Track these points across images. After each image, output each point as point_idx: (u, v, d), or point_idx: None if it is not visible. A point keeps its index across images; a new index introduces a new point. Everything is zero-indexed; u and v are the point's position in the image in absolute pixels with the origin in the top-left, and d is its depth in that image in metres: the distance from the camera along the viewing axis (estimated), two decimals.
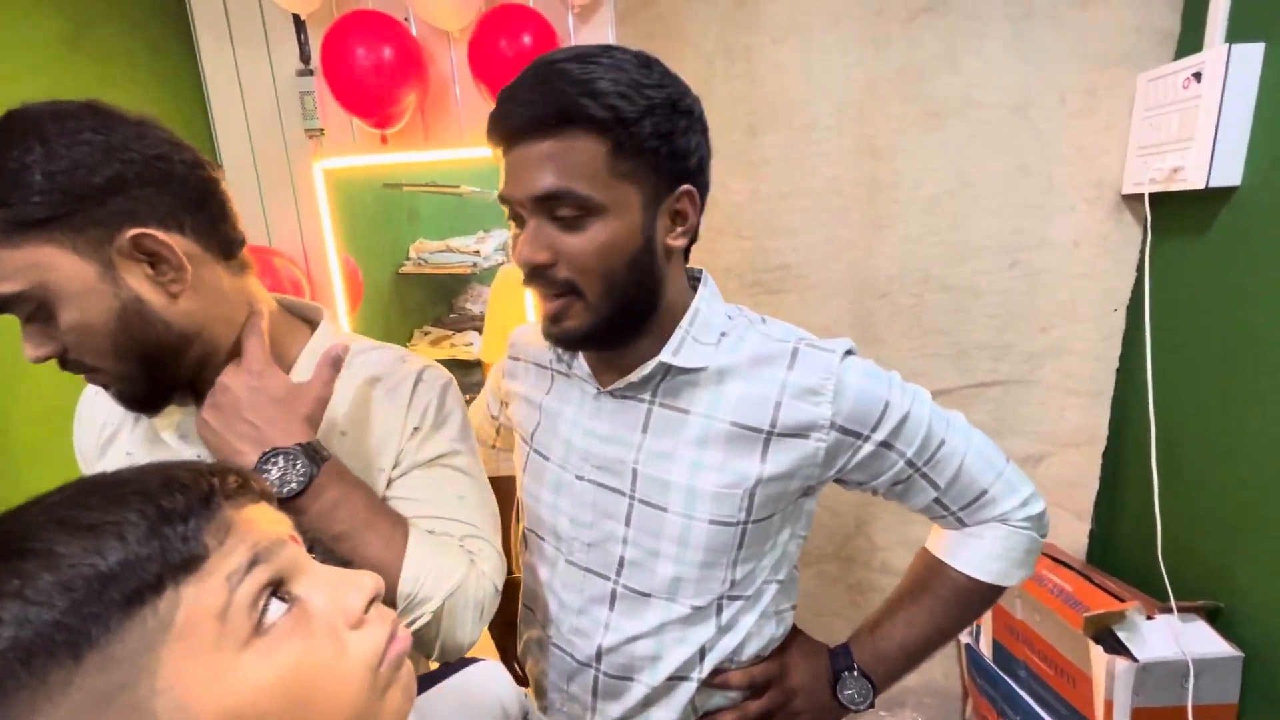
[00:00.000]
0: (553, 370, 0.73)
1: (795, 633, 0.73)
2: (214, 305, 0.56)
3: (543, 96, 0.54)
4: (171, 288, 0.53)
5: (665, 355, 0.62)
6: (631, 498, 0.65)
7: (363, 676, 0.31)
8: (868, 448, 0.62)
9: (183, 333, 0.55)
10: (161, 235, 0.51)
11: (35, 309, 0.50)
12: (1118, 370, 1.29)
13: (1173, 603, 1.09)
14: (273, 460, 0.53)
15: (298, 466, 0.54)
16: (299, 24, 1.38)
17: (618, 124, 0.54)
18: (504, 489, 0.96)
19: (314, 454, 0.55)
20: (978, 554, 0.67)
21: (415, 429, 0.64)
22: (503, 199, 0.59)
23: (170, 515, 0.28)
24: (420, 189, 1.93)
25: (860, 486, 0.67)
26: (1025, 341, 1.32)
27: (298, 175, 1.47)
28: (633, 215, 0.57)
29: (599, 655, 0.67)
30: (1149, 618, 1.08)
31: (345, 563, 0.54)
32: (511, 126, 0.56)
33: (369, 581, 0.34)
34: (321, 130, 1.42)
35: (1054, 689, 1.18)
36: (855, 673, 0.69)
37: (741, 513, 0.63)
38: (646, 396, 0.65)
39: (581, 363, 0.68)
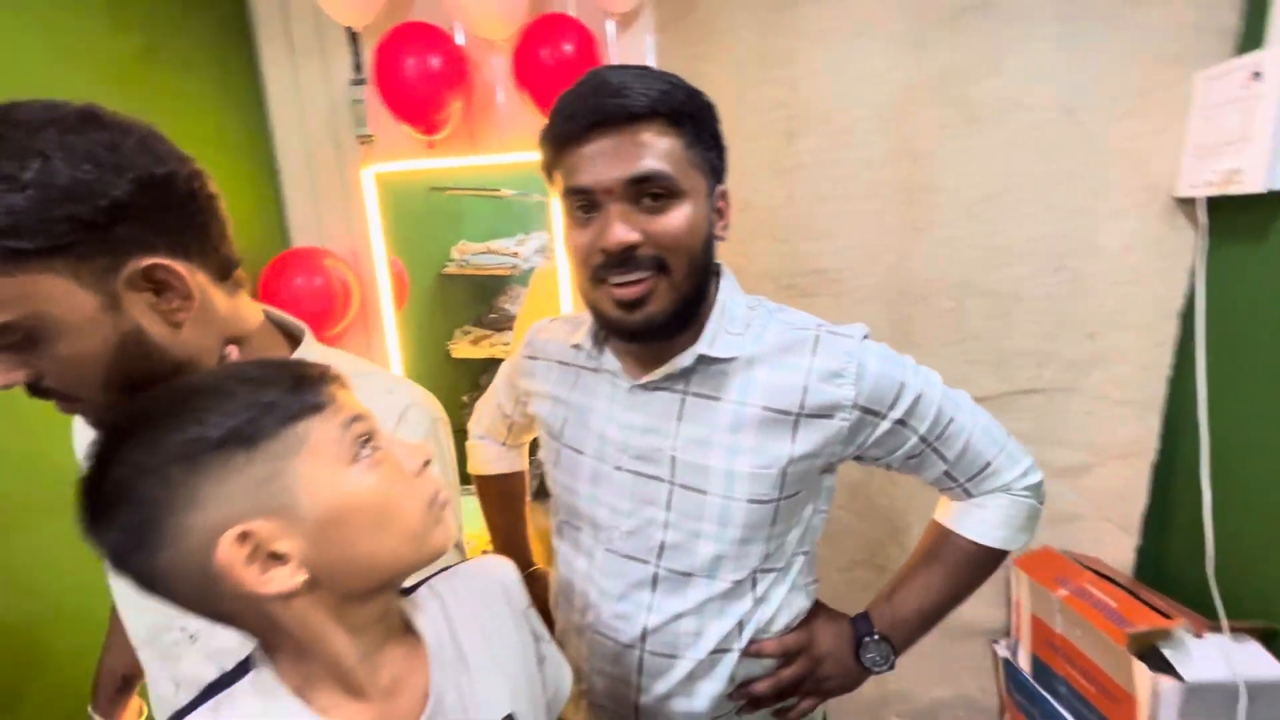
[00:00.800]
0: (577, 367, 0.76)
1: (818, 605, 0.77)
2: (211, 331, 0.53)
3: (643, 90, 0.60)
4: (175, 316, 0.50)
5: (702, 347, 0.67)
6: (671, 483, 0.68)
7: (422, 506, 0.45)
8: (885, 425, 0.67)
9: (176, 362, 0.51)
10: (173, 265, 0.48)
11: (20, 338, 0.46)
12: (1169, 380, 1.24)
13: (1224, 622, 1.04)
14: None
15: None
16: (352, 36, 1.45)
17: (689, 119, 0.62)
18: (514, 487, 1.01)
19: None
20: (984, 523, 0.72)
21: None
22: (579, 190, 0.62)
23: (304, 379, 0.42)
24: (464, 193, 1.99)
25: (877, 462, 0.72)
26: (1070, 349, 1.28)
27: (349, 179, 1.53)
28: (701, 202, 0.64)
29: (644, 636, 0.70)
30: (1198, 636, 1.04)
31: None
32: (617, 112, 0.59)
33: (421, 452, 0.46)
34: (372, 136, 1.48)
35: (1096, 707, 1.14)
36: (876, 637, 0.74)
37: (776, 490, 0.67)
38: (680, 387, 0.69)
39: (610, 358, 0.71)
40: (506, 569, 0.58)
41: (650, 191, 0.61)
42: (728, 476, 0.66)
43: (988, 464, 0.71)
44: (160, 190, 0.47)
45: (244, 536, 0.38)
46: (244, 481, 0.39)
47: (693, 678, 0.69)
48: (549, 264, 1.77)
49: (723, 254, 1.43)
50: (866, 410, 0.66)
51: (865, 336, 0.68)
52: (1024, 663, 1.34)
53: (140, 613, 0.60)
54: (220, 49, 1.46)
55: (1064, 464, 1.34)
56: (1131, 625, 1.07)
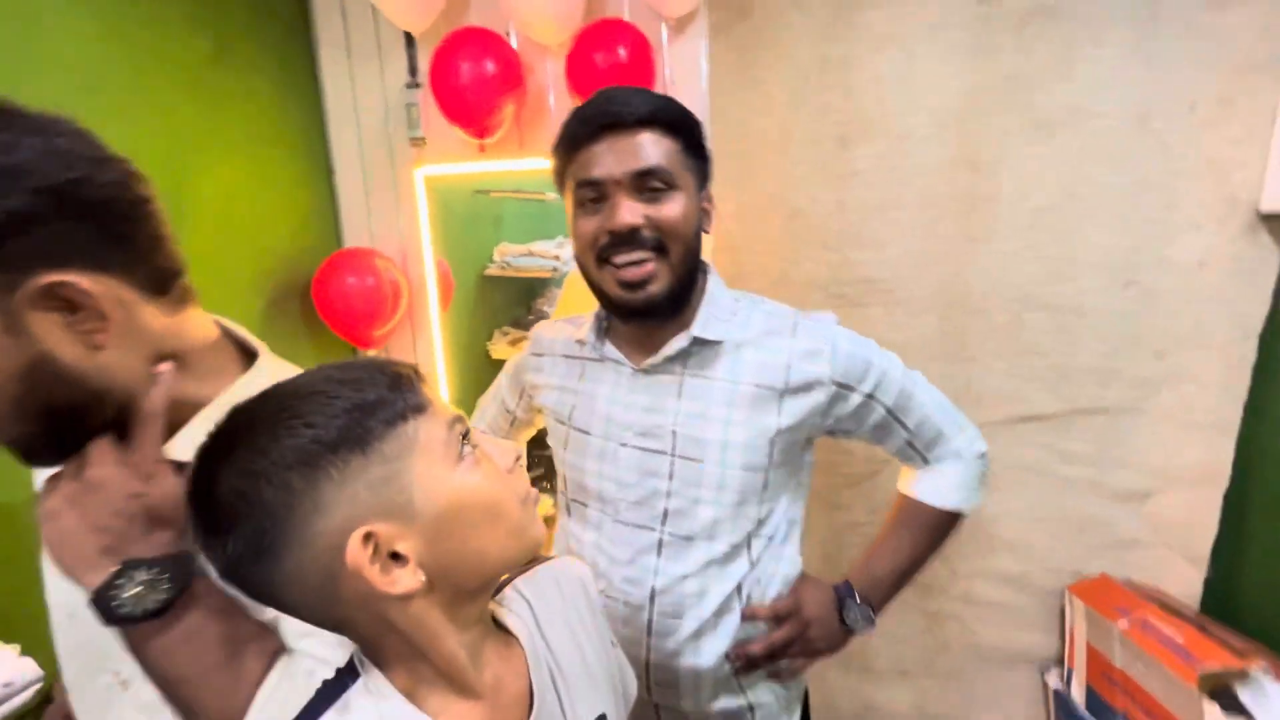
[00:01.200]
0: (583, 359, 0.85)
1: (804, 574, 0.85)
2: (139, 353, 0.47)
3: (645, 101, 0.72)
4: (93, 339, 0.44)
5: (695, 330, 0.76)
6: (672, 456, 0.76)
7: (519, 502, 0.45)
8: (856, 399, 0.77)
9: (97, 390, 0.45)
10: (80, 281, 0.42)
11: None
12: (1246, 404, 1.17)
13: None
14: (130, 575, 0.44)
15: (161, 585, 0.45)
16: (409, 40, 1.47)
17: (683, 129, 0.74)
18: None
19: (183, 570, 0.46)
20: (938, 488, 0.83)
21: None
22: (591, 181, 0.72)
23: (400, 378, 0.42)
24: (507, 195, 2.01)
25: (849, 435, 0.82)
26: (1137, 367, 1.23)
27: (400, 181, 1.56)
28: (692, 199, 0.74)
29: (652, 597, 0.77)
30: (1277, 679, 0.98)
31: (184, 709, 0.47)
32: (627, 116, 0.71)
33: (512, 448, 0.47)
34: (424, 139, 1.51)
35: None
36: (857, 600, 0.82)
37: (766, 459, 0.76)
38: (678, 369, 0.78)
39: (611, 348, 0.81)
40: (584, 569, 0.59)
41: (651, 185, 0.71)
42: (723, 447, 0.75)
43: (941, 433, 0.82)
44: (67, 198, 0.41)
45: (367, 538, 0.38)
46: (363, 484, 0.38)
47: (698, 635, 0.76)
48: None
49: (771, 261, 1.42)
50: (841, 385, 0.76)
51: (836, 322, 0.79)
52: (1077, 694, 1.28)
53: (71, 656, 0.53)
54: (283, 52, 1.50)
55: (1126, 488, 1.28)
56: (1202, 663, 1.01)
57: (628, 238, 0.71)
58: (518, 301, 2.27)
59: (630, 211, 0.70)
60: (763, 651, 0.78)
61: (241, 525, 0.38)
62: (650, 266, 0.71)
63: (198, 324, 0.52)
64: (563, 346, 0.88)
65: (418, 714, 0.42)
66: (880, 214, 1.30)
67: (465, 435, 0.44)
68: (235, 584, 0.40)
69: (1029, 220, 1.23)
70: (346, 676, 0.43)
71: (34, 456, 0.48)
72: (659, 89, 1.32)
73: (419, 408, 0.42)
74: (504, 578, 0.54)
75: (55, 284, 0.41)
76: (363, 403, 0.39)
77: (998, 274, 1.27)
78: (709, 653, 0.76)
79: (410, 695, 0.42)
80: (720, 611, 0.76)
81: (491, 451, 0.45)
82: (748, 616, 0.78)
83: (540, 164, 1.46)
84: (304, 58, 1.55)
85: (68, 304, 0.42)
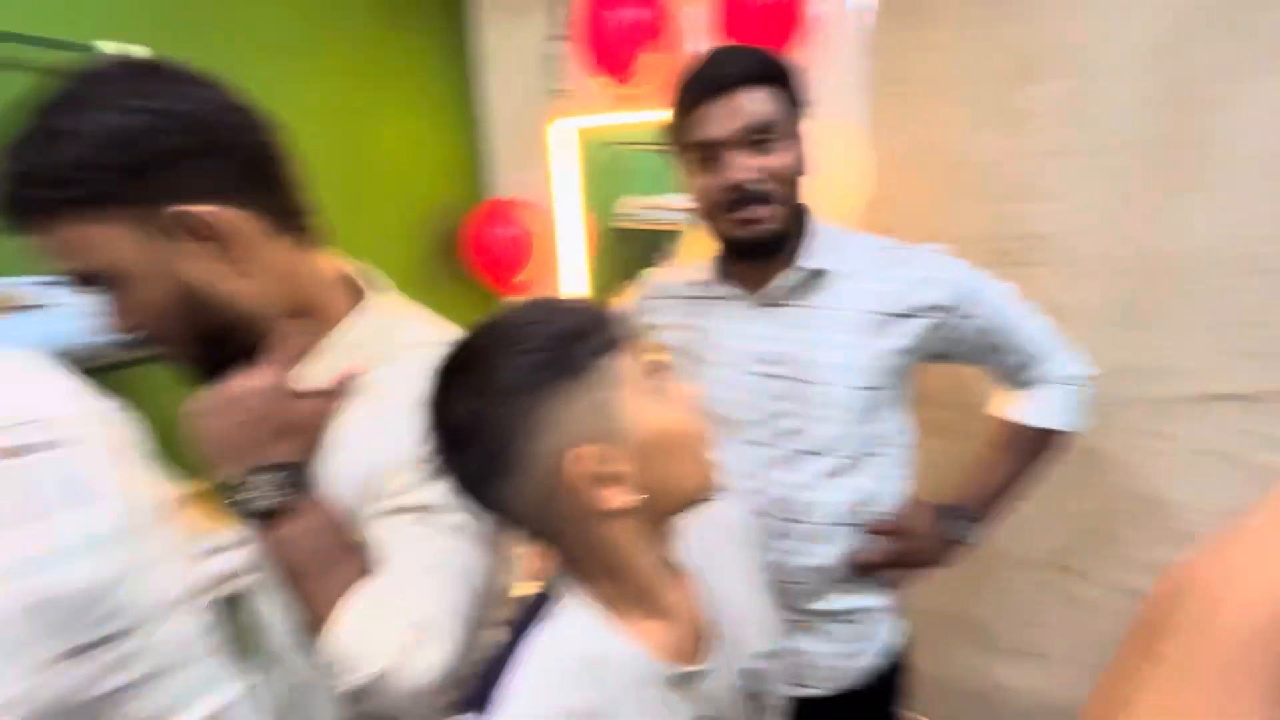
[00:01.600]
0: (701, 298, 0.92)
1: (910, 496, 0.91)
2: (270, 282, 0.53)
3: (744, 62, 0.78)
4: (230, 267, 0.50)
5: (803, 262, 0.83)
6: (793, 380, 0.83)
7: (702, 438, 0.48)
8: (963, 321, 0.83)
9: (243, 314, 0.52)
10: (207, 213, 0.48)
11: (111, 284, 0.49)
12: None
13: None
14: (260, 474, 0.52)
15: (285, 487, 0.52)
16: None
17: (785, 81, 0.80)
18: None
19: (304, 478, 0.54)
20: (1041, 409, 0.89)
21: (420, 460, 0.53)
22: (709, 142, 0.78)
23: (604, 313, 0.46)
24: (637, 147, 2.01)
25: (951, 358, 0.88)
26: None
27: (543, 133, 1.61)
28: (797, 144, 0.81)
29: (773, 506, 0.85)
30: None
31: (305, 604, 0.53)
32: (729, 78, 0.77)
33: (695, 386, 0.50)
34: (567, 90, 1.54)
35: None
36: (960, 516, 0.90)
37: (878, 378, 0.83)
38: (792, 300, 0.85)
39: (729, 286, 0.88)
40: (740, 510, 0.61)
41: (759, 138, 0.77)
42: (840, 369, 0.82)
43: (1046, 356, 0.87)
44: (198, 138, 0.47)
45: (587, 457, 0.42)
46: (580, 407, 0.42)
47: (815, 540, 0.84)
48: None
49: (927, 213, 1.33)
50: (949, 309, 0.82)
51: (946, 252, 0.86)
52: None
53: None
54: (438, 9, 1.58)
55: None
56: None
57: (744, 192, 0.78)
58: (646, 254, 2.29)
59: (742, 169, 0.77)
60: (875, 560, 0.86)
61: (476, 443, 0.42)
62: (767, 209, 0.79)
63: (322, 264, 0.59)
64: (679, 288, 0.96)
65: (614, 628, 0.46)
66: (1056, 161, 1.17)
67: (659, 370, 0.47)
68: (470, 496, 0.45)
69: (1257, 168, 1.05)
70: (550, 590, 0.48)
71: (200, 375, 0.56)
72: (810, 25, 1.26)
73: (625, 340, 0.45)
74: None
75: (183, 213, 0.47)
76: (575, 331, 0.43)
77: (1201, 231, 1.11)
78: (821, 555, 0.84)
79: (606, 609, 0.46)
80: (836, 520, 0.84)
81: (681, 390, 0.48)
82: (861, 530, 0.85)
83: None
84: (456, 13, 1.63)
85: (198, 232, 0.49)
